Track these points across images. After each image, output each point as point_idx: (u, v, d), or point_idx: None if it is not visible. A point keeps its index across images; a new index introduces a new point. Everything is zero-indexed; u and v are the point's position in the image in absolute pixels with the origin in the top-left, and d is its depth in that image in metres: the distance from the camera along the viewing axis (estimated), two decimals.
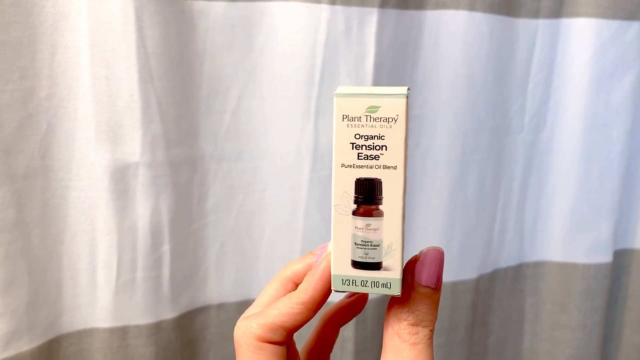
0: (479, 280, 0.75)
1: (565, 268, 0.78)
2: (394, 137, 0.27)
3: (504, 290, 0.79)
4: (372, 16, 0.61)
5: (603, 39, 0.71)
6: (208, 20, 0.57)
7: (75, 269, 0.56)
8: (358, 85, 0.62)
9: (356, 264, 0.29)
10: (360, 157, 0.27)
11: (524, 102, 0.74)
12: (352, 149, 0.27)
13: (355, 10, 0.60)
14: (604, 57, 0.72)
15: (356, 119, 0.27)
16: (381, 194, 0.28)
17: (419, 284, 0.29)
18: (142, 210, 0.57)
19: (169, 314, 0.60)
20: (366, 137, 0.27)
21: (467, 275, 0.74)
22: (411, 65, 0.66)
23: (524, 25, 0.70)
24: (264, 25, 0.60)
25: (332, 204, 0.28)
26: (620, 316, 0.86)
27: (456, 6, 0.65)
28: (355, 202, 0.28)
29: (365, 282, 0.29)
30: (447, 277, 0.73)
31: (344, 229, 0.28)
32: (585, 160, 0.75)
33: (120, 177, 0.55)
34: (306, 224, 0.64)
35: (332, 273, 0.29)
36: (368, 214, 0.28)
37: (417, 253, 0.29)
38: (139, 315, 0.58)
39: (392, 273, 0.28)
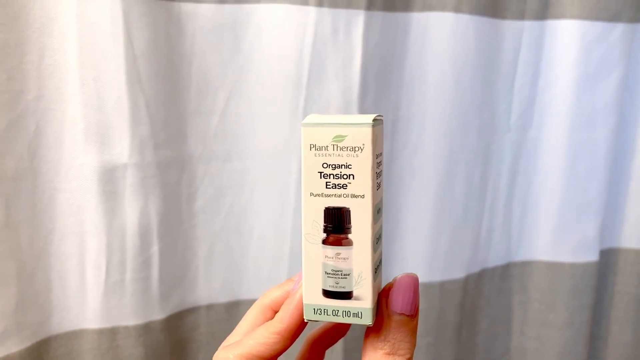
0: (467, 279, 0.76)
1: (553, 267, 0.79)
2: (361, 166, 0.27)
3: (492, 289, 0.80)
4: (358, 18, 0.61)
5: (588, 40, 0.72)
6: (196, 22, 0.58)
7: (64, 270, 0.56)
8: (345, 87, 0.62)
9: (327, 293, 0.28)
10: (328, 186, 0.27)
11: (511, 102, 0.74)
12: (320, 177, 0.27)
13: (342, 12, 0.61)
14: (589, 58, 0.73)
15: (323, 148, 0.27)
16: (350, 223, 0.28)
17: (393, 311, 0.28)
18: (130, 211, 0.57)
19: (158, 314, 0.60)
20: (333, 166, 0.27)
21: (455, 275, 0.74)
22: (398, 66, 0.67)
23: (509, 26, 0.71)
24: (251, 27, 0.60)
25: (303, 232, 0.28)
26: (608, 314, 0.86)
27: (442, 8, 0.66)
28: (325, 231, 0.28)
29: (336, 311, 0.28)
30: (435, 277, 0.73)
31: (315, 257, 0.28)
32: (572, 159, 0.76)
33: (109, 179, 0.55)
34: (295, 224, 0.64)
35: (304, 302, 0.29)
36: (337, 243, 0.28)
37: (391, 280, 0.29)
38: (128, 316, 0.58)
39: (363, 302, 0.28)
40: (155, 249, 0.59)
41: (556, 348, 0.81)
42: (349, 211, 0.27)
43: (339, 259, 0.28)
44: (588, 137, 0.75)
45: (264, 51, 0.61)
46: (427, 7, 0.66)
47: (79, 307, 0.57)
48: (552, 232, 0.78)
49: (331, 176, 0.27)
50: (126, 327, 0.58)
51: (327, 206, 0.28)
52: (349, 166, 0.27)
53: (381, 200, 0.30)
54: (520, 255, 0.80)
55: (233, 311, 0.66)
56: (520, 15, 0.71)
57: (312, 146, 0.27)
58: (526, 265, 0.80)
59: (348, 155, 0.27)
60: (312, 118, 0.28)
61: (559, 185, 0.76)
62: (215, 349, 0.67)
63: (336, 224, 0.28)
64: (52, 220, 0.55)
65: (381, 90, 0.66)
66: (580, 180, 0.77)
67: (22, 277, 0.53)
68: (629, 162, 0.82)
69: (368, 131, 0.27)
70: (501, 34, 0.71)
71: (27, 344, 0.54)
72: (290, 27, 0.60)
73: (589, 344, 0.83)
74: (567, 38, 0.72)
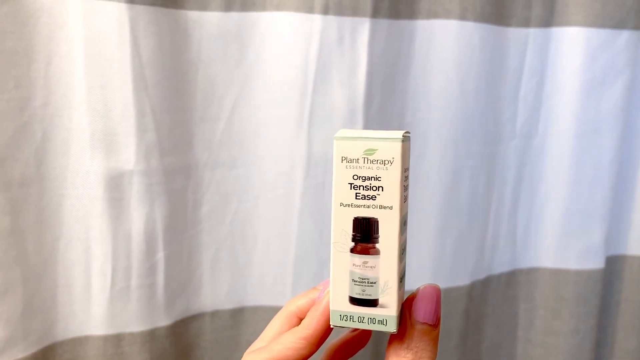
0: (472, 286, 0.76)
1: (558, 274, 0.79)
2: (390, 179, 0.28)
3: (497, 297, 0.80)
4: (364, 26, 0.61)
5: (593, 47, 0.72)
6: (202, 29, 0.58)
7: (70, 277, 0.56)
8: (350, 95, 0.62)
9: (354, 300, 0.30)
10: (358, 197, 0.29)
11: (516, 109, 0.74)
12: (351, 189, 0.29)
13: (347, 20, 0.61)
14: (594, 65, 0.73)
15: (354, 160, 0.29)
16: (378, 233, 0.29)
17: (417, 320, 0.29)
18: (136, 218, 0.57)
19: (163, 321, 0.60)
20: (364, 177, 0.29)
21: (460, 282, 0.74)
22: (403, 73, 0.67)
23: (514, 34, 0.71)
24: (257, 35, 0.60)
25: (332, 241, 0.29)
26: (613, 321, 0.86)
27: (447, 16, 0.66)
28: (353, 240, 0.29)
29: (362, 318, 0.30)
30: (440, 284, 0.73)
31: (342, 265, 0.29)
32: (577, 166, 0.76)
33: (115, 185, 0.56)
34: (300, 231, 0.64)
35: (330, 308, 0.30)
36: (365, 251, 0.29)
37: (414, 290, 0.30)
38: (134, 323, 0.58)
39: (389, 310, 0.29)
40: (160, 255, 0.59)
41: (561, 355, 0.80)
42: (377, 221, 0.29)
43: (367, 267, 0.29)
44: (593, 144, 0.75)
45: (270, 58, 0.61)
46: (432, 15, 0.66)
47: (84, 314, 0.57)
48: (558, 239, 0.78)
49: (361, 187, 0.29)
50: (131, 334, 0.58)
51: (356, 216, 0.29)
52: (379, 178, 0.28)
53: (407, 214, 0.31)
54: (526, 262, 0.80)
55: (238, 317, 0.66)
56: (526, 23, 0.72)
57: (343, 158, 0.29)
58: (531, 272, 0.80)
59: (378, 168, 0.28)
60: (344, 132, 0.29)
61: (565, 192, 0.76)
62: (220, 356, 0.67)
63: (364, 234, 0.29)
64: (59, 226, 0.55)
65: (386, 97, 0.66)
66: (586, 187, 0.76)
67: (28, 283, 0.53)
68: (634, 169, 0.82)
69: (398, 145, 0.28)
70: (506, 41, 0.71)
71: (32, 350, 0.54)
72: (296, 35, 0.60)
73: (594, 352, 0.83)
74: (572, 45, 0.72)
